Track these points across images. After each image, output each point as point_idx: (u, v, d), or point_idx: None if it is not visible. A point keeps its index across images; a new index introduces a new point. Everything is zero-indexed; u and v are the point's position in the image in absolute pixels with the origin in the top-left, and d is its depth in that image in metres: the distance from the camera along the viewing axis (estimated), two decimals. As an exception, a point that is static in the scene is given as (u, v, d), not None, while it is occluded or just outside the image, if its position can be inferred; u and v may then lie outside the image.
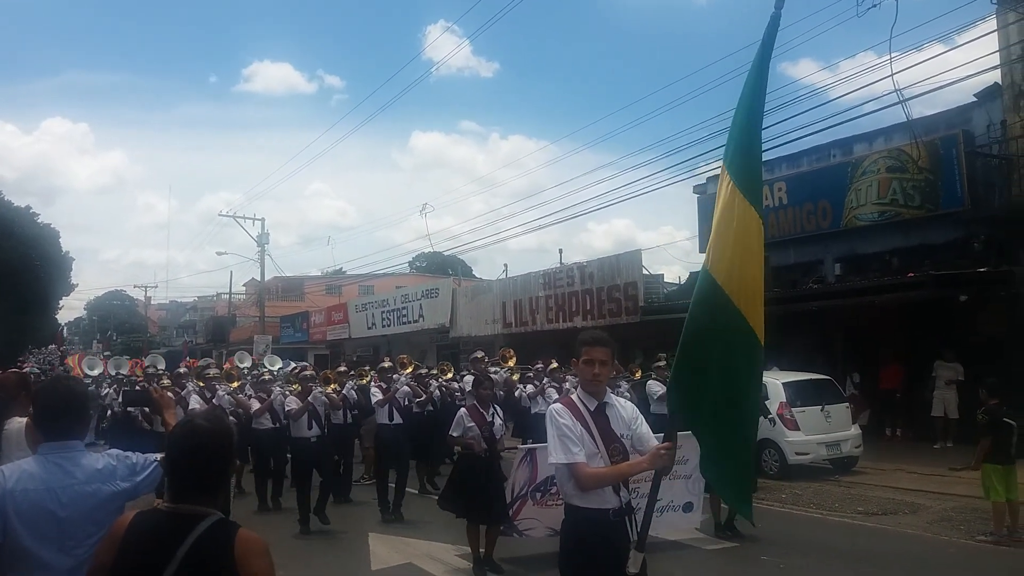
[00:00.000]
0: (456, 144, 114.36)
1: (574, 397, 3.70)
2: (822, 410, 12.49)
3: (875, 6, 14.19)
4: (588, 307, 21.58)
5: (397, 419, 10.36)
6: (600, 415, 3.59)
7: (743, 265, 3.25)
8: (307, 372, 10.76)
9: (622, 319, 20.29)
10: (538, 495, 7.33)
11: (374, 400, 10.48)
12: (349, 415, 11.53)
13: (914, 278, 13.75)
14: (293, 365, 16.13)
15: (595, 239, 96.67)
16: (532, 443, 9.03)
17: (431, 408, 12.09)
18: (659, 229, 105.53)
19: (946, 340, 14.45)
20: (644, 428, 3.71)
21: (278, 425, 10.78)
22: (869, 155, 16.57)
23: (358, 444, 12.56)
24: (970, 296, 13.13)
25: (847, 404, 13.29)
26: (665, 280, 23.18)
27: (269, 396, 10.99)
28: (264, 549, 2.34)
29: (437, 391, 12.35)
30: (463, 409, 7.71)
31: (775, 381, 12.58)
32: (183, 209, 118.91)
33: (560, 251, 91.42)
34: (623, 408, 3.71)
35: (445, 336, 27.98)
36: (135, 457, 2.97)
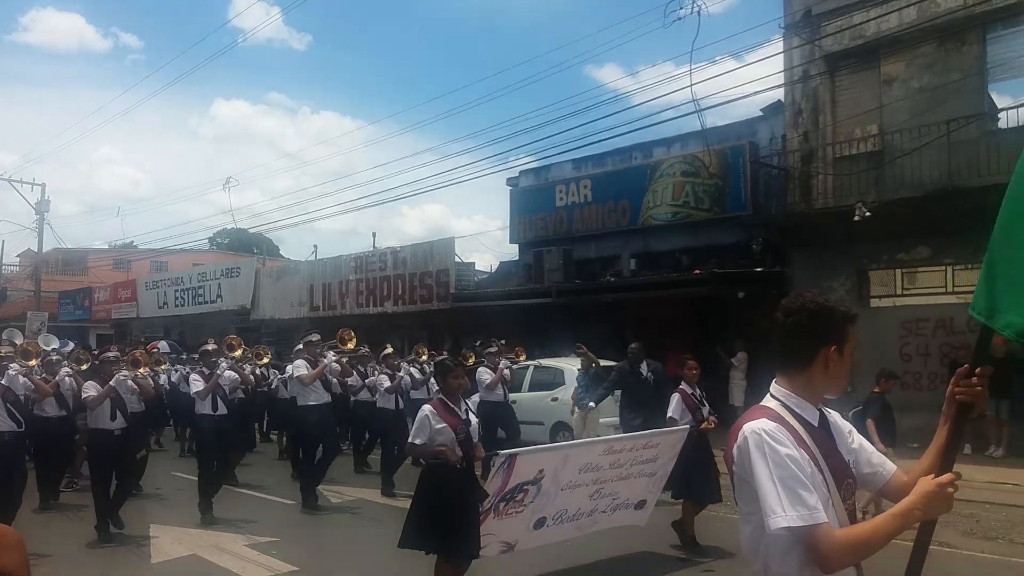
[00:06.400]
0: (263, 116, 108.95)
1: (775, 406, 2.20)
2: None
3: (680, 19, 15.26)
4: (400, 292, 21.52)
5: (221, 409, 9.20)
6: (824, 433, 2.22)
7: None
8: (110, 354, 9.07)
9: (433, 305, 20.42)
10: (501, 505, 5.84)
11: (194, 390, 9.21)
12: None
13: (700, 275, 14.97)
14: (72, 345, 14.73)
15: (408, 224, 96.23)
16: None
17: (242, 395, 11.37)
18: (472, 217, 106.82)
19: (728, 333, 15.79)
20: (867, 444, 2.38)
21: (65, 413, 9.69)
22: (667, 159, 17.74)
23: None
24: (747, 293, 14.44)
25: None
26: (476, 268, 23.57)
27: (55, 379, 9.57)
28: (15, 542, 2.09)
29: (251, 376, 11.64)
30: (428, 407, 5.59)
31: (571, 367, 13.18)
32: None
33: (374, 235, 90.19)
34: (830, 414, 2.34)
35: (246, 318, 26.80)
36: None
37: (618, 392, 10.78)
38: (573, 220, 19.57)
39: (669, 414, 7.53)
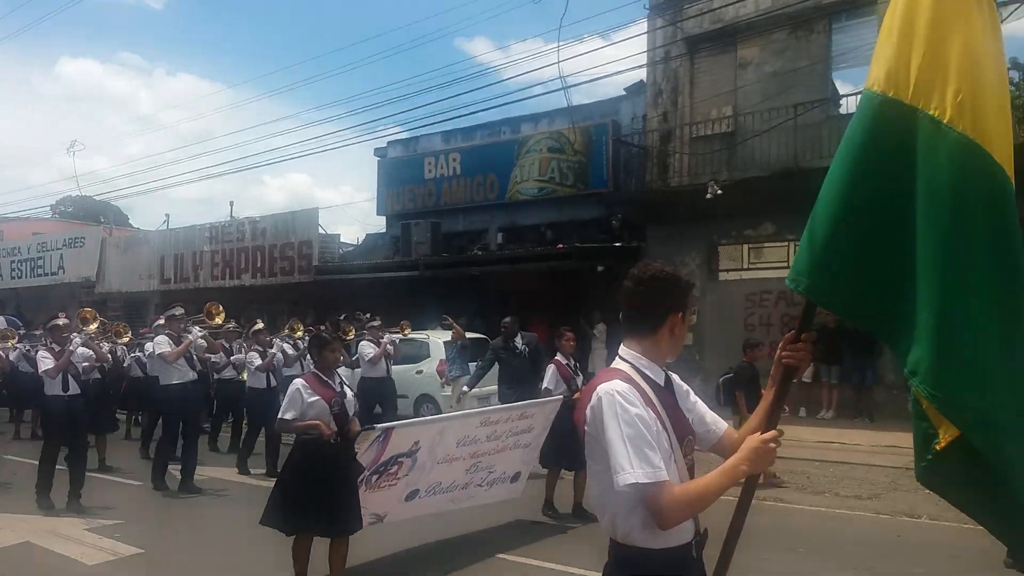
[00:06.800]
0: (114, 76, 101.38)
1: (626, 368, 2.30)
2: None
3: (549, -6, 15.33)
4: (259, 264, 20.77)
5: (73, 389, 8.29)
6: (669, 393, 2.36)
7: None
8: None
9: (294, 278, 19.87)
10: (374, 478, 5.68)
11: (43, 368, 8.18)
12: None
13: (563, 249, 15.32)
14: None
15: (270, 193, 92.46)
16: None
17: (98, 375, 10.50)
18: (339, 188, 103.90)
19: (588, 305, 16.23)
20: (701, 404, 2.53)
21: None
22: (534, 135, 17.95)
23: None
24: (606, 267, 14.87)
25: (500, 363, 14.30)
26: (342, 240, 23.07)
27: None
28: None
29: (108, 354, 10.76)
30: (299, 380, 5.46)
31: (437, 340, 13.17)
32: None
33: (231, 204, 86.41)
34: (673, 375, 2.49)
35: (90, 291, 25.16)
36: None
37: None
38: (442, 193, 19.47)
39: (544, 384, 7.62)
